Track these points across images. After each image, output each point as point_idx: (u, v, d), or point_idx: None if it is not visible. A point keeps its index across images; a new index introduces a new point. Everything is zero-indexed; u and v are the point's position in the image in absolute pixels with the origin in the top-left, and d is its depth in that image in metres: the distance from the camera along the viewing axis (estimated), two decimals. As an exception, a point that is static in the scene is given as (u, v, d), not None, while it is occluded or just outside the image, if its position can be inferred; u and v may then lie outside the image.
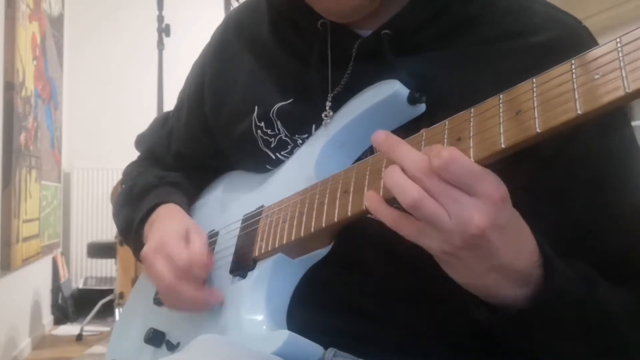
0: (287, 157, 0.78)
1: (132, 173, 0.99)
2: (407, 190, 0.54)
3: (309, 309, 0.70)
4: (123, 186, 0.98)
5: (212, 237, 0.84)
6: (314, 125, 0.76)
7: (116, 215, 0.96)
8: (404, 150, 0.56)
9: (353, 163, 0.71)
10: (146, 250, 0.78)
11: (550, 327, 0.60)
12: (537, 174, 0.65)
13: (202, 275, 0.76)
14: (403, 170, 0.55)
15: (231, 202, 0.85)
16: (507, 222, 0.54)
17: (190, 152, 0.93)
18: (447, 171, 0.52)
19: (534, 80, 0.51)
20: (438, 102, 0.68)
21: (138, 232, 0.87)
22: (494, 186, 0.53)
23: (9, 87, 3.20)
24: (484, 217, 0.52)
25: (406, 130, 0.68)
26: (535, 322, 0.60)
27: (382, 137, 0.58)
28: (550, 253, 0.59)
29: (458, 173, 0.52)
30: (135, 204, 0.90)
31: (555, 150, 0.65)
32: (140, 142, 1.04)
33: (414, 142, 0.60)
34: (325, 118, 0.74)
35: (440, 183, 0.53)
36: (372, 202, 0.58)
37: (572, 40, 0.69)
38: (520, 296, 0.58)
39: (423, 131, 0.60)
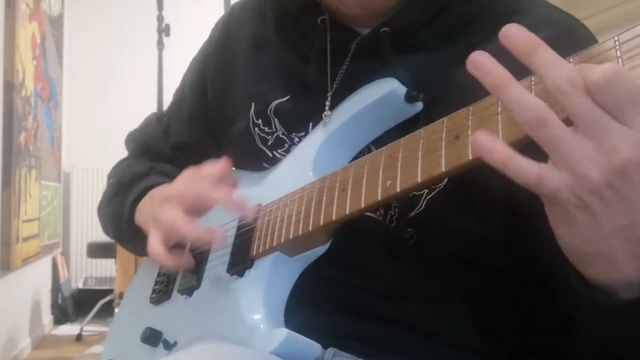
0: (284, 155, 0.78)
1: (120, 166, 0.98)
2: (533, 105, 0.45)
3: (308, 309, 0.70)
4: (110, 180, 0.96)
5: (209, 235, 0.84)
6: (311, 123, 0.76)
7: (104, 210, 0.94)
8: (548, 54, 0.46)
9: (350, 161, 0.71)
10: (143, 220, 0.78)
11: None
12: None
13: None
14: (544, 79, 0.45)
15: None
16: None
17: (191, 140, 0.91)
18: (609, 90, 0.43)
19: (532, 78, 0.51)
20: (436, 101, 0.68)
21: (130, 218, 0.85)
22: None
23: (9, 87, 3.21)
24: (632, 148, 0.43)
25: (403, 128, 0.68)
26: None
27: (518, 35, 0.47)
28: None
29: (619, 94, 0.43)
30: (125, 192, 0.88)
31: None
32: (132, 138, 1.02)
33: (412, 140, 0.60)
34: (324, 117, 0.74)
35: (588, 102, 0.44)
36: (484, 141, 0.47)
37: (571, 38, 0.69)
38: (637, 284, 0.49)
39: (421, 130, 0.60)
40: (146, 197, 0.83)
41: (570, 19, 0.73)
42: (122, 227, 0.88)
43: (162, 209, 0.75)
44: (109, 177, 0.99)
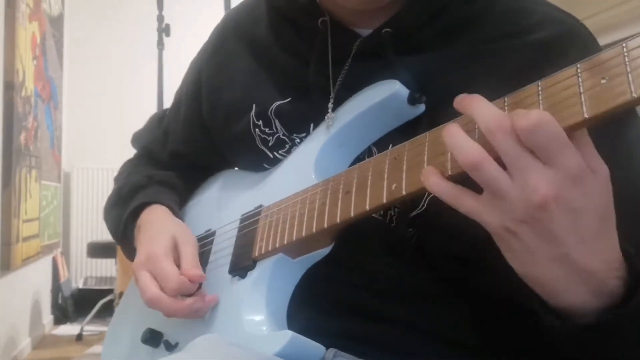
0: (285, 156, 0.78)
1: (124, 172, 1.00)
2: (470, 150, 0.50)
3: (310, 310, 0.70)
4: (115, 186, 0.98)
5: (209, 236, 0.84)
6: (312, 124, 0.76)
7: (106, 217, 0.96)
8: (483, 105, 0.52)
9: (351, 163, 0.71)
10: (135, 262, 0.79)
11: (624, 348, 0.55)
12: None
13: (194, 288, 0.75)
14: (478, 123, 0.51)
15: (228, 201, 0.85)
16: (580, 206, 0.49)
17: (186, 150, 0.93)
18: (532, 134, 0.47)
19: (539, 83, 0.51)
20: (438, 102, 0.67)
21: (126, 232, 0.87)
22: (576, 162, 0.48)
23: (9, 86, 3.20)
24: (550, 186, 0.48)
25: (405, 130, 0.68)
26: (606, 341, 0.53)
27: (460, 96, 0.54)
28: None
29: (543, 138, 0.47)
30: (124, 204, 0.90)
31: None
32: (136, 139, 1.04)
33: (417, 144, 0.60)
34: (327, 119, 0.73)
35: (515, 145, 0.48)
36: (430, 177, 0.55)
37: (571, 37, 0.69)
38: (589, 308, 0.52)
39: (427, 134, 0.60)
40: (140, 239, 0.84)
41: (571, 19, 0.73)
42: (118, 237, 0.91)
43: (140, 271, 0.77)
44: (115, 180, 1.01)
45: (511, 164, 0.49)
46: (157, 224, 0.83)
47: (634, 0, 2.43)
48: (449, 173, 0.55)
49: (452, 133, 0.52)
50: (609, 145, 0.58)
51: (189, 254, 0.78)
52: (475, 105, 0.52)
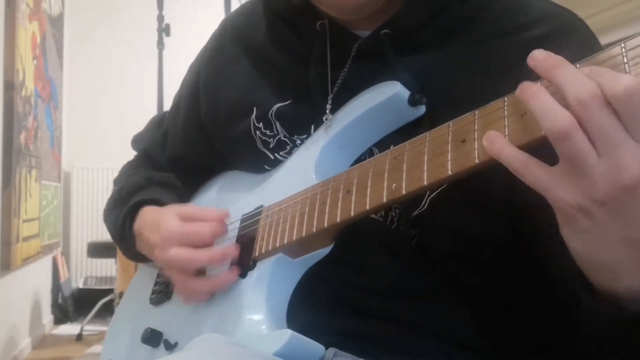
0: (286, 157, 0.78)
1: (124, 174, 1.00)
2: (559, 115, 0.45)
3: (310, 309, 0.70)
4: (115, 188, 0.98)
5: (210, 236, 0.84)
6: (312, 126, 0.76)
7: (106, 218, 0.96)
8: (569, 70, 0.46)
9: (352, 164, 0.71)
10: (155, 255, 0.79)
11: None
12: None
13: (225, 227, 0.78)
14: (565, 92, 0.45)
15: (229, 202, 0.85)
16: None
17: (185, 153, 0.93)
18: (628, 102, 0.43)
19: (539, 82, 0.51)
20: (438, 102, 0.68)
21: (124, 231, 0.87)
22: None
23: (9, 86, 3.20)
24: None
25: (406, 131, 0.68)
26: None
27: (542, 55, 0.48)
28: None
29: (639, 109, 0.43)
30: (123, 204, 0.90)
31: None
32: (136, 142, 1.04)
33: (417, 144, 0.60)
34: (325, 120, 0.74)
35: (610, 117, 0.44)
36: (496, 142, 0.50)
37: (569, 32, 0.70)
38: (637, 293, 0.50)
39: (427, 134, 0.60)
40: (143, 225, 0.85)
41: (569, 15, 0.73)
42: (116, 236, 0.91)
43: (166, 253, 0.77)
44: (115, 182, 1.01)
45: (605, 139, 0.44)
46: (157, 216, 0.83)
47: (634, 0, 2.43)
48: (449, 173, 0.55)
49: (537, 93, 0.47)
50: None
51: (195, 210, 0.79)
52: (562, 71, 0.46)
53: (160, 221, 0.80)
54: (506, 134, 0.51)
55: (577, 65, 0.49)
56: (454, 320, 0.70)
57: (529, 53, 0.50)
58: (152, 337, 0.81)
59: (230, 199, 0.85)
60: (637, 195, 0.44)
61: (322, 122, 0.74)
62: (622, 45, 0.46)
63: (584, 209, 0.46)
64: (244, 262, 0.74)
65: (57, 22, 4.44)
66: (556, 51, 0.49)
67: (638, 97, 0.43)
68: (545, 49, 0.48)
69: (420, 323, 0.69)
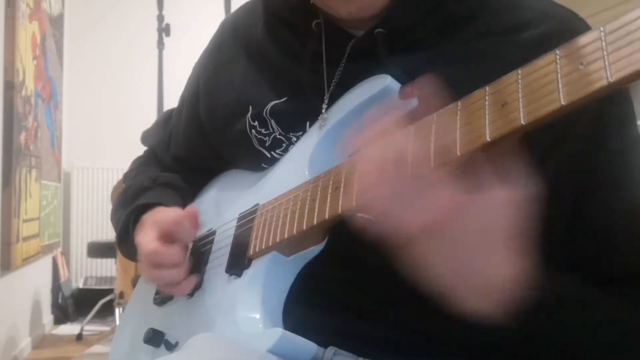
0: (282, 155, 0.78)
1: (133, 170, 1.01)
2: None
3: (308, 308, 0.70)
4: (123, 185, 0.99)
5: (210, 236, 0.84)
6: (308, 123, 0.76)
7: (112, 217, 0.97)
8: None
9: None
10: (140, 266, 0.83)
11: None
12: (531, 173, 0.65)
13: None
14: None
15: (227, 201, 0.85)
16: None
17: (187, 154, 0.93)
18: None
19: (520, 71, 0.50)
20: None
21: (127, 232, 0.88)
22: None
23: (9, 86, 3.21)
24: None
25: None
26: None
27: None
28: None
29: None
30: (127, 206, 0.90)
31: (547, 148, 0.65)
32: (145, 138, 1.06)
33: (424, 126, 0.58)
34: (320, 119, 0.74)
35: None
36: None
37: (570, 33, 0.69)
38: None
39: (411, 127, 0.58)
40: (140, 226, 0.86)
41: (569, 13, 0.72)
42: (117, 237, 0.92)
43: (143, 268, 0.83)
44: (124, 178, 1.02)
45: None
46: (145, 226, 0.84)
47: (634, 0, 2.43)
48: (432, 165, 0.54)
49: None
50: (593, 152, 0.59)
51: (171, 227, 0.81)
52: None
53: (142, 236, 0.83)
54: (487, 124, 0.51)
55: (557, 52, 0.48)
56: (453, 319, 0.69)
57: (527, 53, 0.50)
58: (154, 337, 0.81)
59: (229, 198, 0.85)
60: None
61: (317, 119, 0.74)
62: (602, 29, 0.46)
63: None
64: (240, 261, 0.74)
65: (57, 22, 4.44)
66: None
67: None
68: (544, 49, 0.49)
69: (418, 322, 0.69)
